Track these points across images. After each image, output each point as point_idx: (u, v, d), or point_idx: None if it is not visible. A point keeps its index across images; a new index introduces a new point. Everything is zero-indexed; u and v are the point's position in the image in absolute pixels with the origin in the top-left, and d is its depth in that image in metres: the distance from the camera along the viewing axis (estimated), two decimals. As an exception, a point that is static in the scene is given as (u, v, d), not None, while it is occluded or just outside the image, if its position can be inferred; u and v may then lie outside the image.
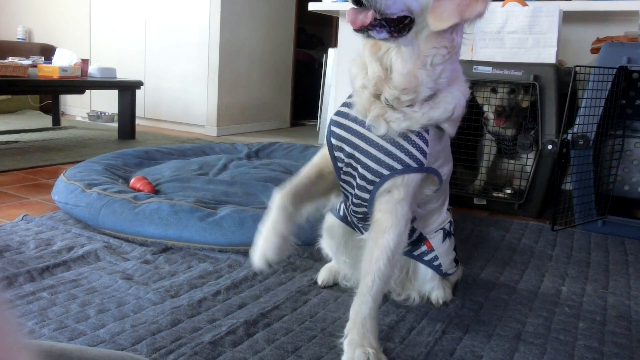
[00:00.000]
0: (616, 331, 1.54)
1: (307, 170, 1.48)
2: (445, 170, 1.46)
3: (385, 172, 1.33)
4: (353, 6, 1.17)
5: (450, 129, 1.36)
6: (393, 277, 1.55)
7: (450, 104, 1.30)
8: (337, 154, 1.41)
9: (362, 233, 1.59)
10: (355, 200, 1.44)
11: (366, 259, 1.36)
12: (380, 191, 1.37)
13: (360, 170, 1.37)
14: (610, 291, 1.84)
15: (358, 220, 1.54)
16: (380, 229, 1.35)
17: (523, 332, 1.51)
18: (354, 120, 1.37)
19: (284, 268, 1.84)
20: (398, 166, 1.32)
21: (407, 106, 1.29)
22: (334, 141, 1.41)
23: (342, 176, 1.44)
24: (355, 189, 1.41)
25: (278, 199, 1.39)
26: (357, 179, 1.39)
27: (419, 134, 1.32)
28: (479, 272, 1.94)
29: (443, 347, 1.40)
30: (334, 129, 1.41)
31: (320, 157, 1.49)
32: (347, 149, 1.38)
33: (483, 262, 2.05)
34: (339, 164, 1.42)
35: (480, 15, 1.22)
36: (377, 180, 1.35)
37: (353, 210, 1.49)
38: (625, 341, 1.49)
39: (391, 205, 1.35)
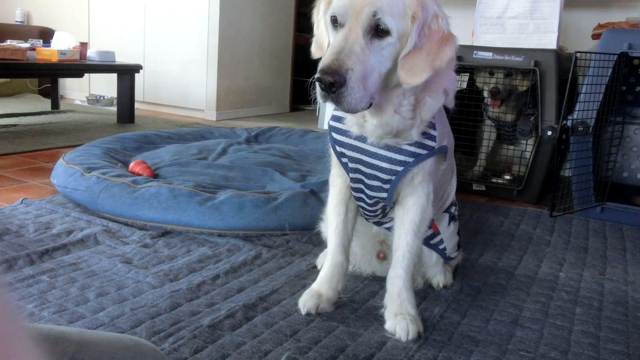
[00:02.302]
0: (613, 317, 1.55)
1: (336, 210, 1.51)
2: (448, 141, 1.46)
3: (399, 168, 1.35)
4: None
5: (451, 105, 1.38)
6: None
7: (440, 92, 1.30)
8: (343, 159, 1.43)
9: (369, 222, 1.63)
10: (369, 201, 1.46)
11: (395, 236, 1.44)
12: (398, 185, 1.39)
13: (371, 172, 1.38)
14: (608, 277, 1.85)
15: (375, 217, 1.55)
16: (404, 208, 1.42)
17: (520, 317, 1.52)
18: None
19: (282, 252, 1.85)
20: (410, 159, 1.34)
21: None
22: (338, 148, 1.43)
23: (352, 183, 1.45)
24: (368, 190, 1.43)
25: (334, 256, 1.49)
26: (368, 180, 1.40)
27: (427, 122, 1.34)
28: (478, 258, 1.95)
29: (441, 332, 1.41)
30: (335, 135, 1.43)
31: (336, 176, 1.51)
32: (353, 154, 1.39)
33: (481, 247, 2.06)
34: (347, 168, 1.44)
35: (451, 59, 1.22)
36: (393, 178, 1.36)
37: (369, 211, 1.51)
38: (622, 327, 1.50)
39: (412, 188, 1.40)
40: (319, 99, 1.16)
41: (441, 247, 1.61)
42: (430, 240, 1.60)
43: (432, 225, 1.59)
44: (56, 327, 0.79)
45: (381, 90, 1.22)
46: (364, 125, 1.32)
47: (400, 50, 1.19)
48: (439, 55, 1.19)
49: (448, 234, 1.63)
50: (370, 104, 1.20)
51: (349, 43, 1.13)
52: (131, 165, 2.49)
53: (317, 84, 1.14)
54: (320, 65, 1.13)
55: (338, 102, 1.14)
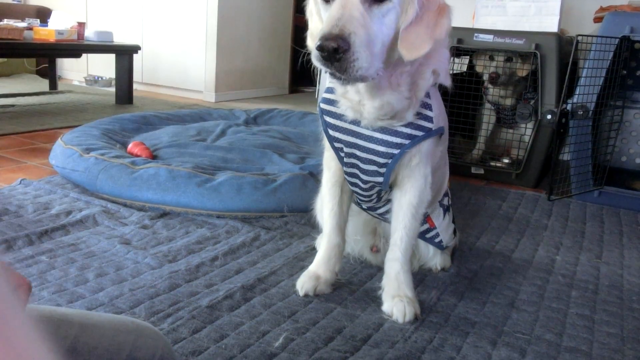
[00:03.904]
0: (608, 300, 1.57)
1: (331, 192, 1.50)
2: (444, 122, 1.43)
3: (395, 151, 1.32)
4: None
5: (448, 83, 1.35)
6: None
7: (427, 72, 1.27)
8: (337, 144, 1.40)
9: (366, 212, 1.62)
10: (364, 186, 1.44)
11: (393, 218, 1.43)
12: (395, 167, 1.37)
13: (366, 156, 1.36)
14: (604, 261, 1.86)
15: (370, 202, 1.53)
16: (402, 190, 1.40)
17: (516, 300, 1.53)
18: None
19: (281, 234, 1.86)
20: (406, 141, 1.31)
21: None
22: (331, 132, 1.39)
23: (346, 168, 1.43)
24: (363, 175, 1.41)
25: (331, 238, 1.49)
26: (364, 165, 1.38)
27: (422, 103, 1.31)
28: (475, 241, 1.96)
29: (437, 314, 1.42)
30: (327, 119, 1.39)
31: (330, 158, 1.49)
32: (348, 138, 1.37)
33: (479, 230, 2.07)
34: (341, 154, 1.42)
35: (448, 30, 1.19)
36: (389, 161, 1.34)
37: (364, 196, 1.49)
38: (616, 309, 1.51)
39: (409, 170, 1.38)
40: (321, 66, 1.08)
41: (437, 240, 1.62)
42: (426, 234, 1.60)
43: (428, 220, 1.59)
44: (58, 308, 0.79)
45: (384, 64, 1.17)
46: (360, 110, 1.29)
47: (401, 16, 1.14)
48: (437, 26, 1.16)
49: (444, 226, 1.62)
50: (378, 74, 1.13)
51: (348, 10, 1.06)
52: (130, 146, 2.49)
53: (317, 53, 1.06)
54: (320, 34, 1.06)
55: (344, 70, 1.06)
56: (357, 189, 1.47)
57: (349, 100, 1.30)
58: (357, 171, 1.41)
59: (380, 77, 1.16)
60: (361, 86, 1.24)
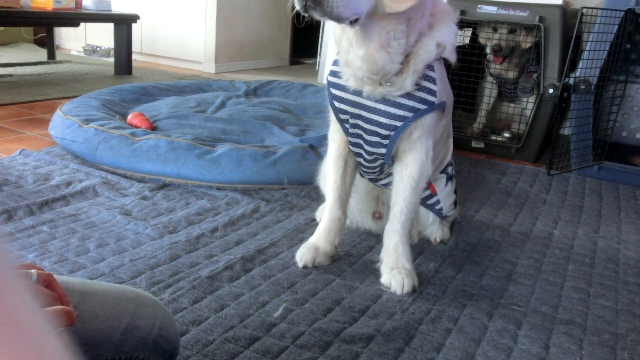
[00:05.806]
0: (604, 273, 1.58)
1: (335, 165, 1.50)
2: (447, 97, 1.43)
3: (398, 123, 1.33)
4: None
5: (453, 58, 1.35)
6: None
7: (431, 45, 1.27)
8: (342, 116, 1.41)
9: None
10: (368, 157, 1.45)
11: (393, 191, 1.44)
12: (397, 140, 1.37)
13: (370, 127, 1.36)
14: (601, 235, 1.87)
15: (373, 174, 1.54)
16: (403, 164, 1.41)
17: (513, 273, 1.54)
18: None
19: (281, 206, 1.86)
20: (409, 114, 1.32)
21: (395, 75, 1.28)
22: (336, 104, 1.40)
23: (351, 138, 1.44)
24: (367, 146, 1.42)
25: (332, 211, 1.50)
26: (367, 136, 1.39)
27: (425, 76, 1.31)
28: (474, 214, 1.97)
29: (435, 286, 1.44)
30: (333, 91, 1.40)
31: (335, 131, 1.48)
32: (352, 109, 1.37)
33: (478, 204, 2.07)
34: (346, 125, 1.42)
35: None
36: (392, 133, 1.35)
37: (367, 167, 1.50)
38: (612, 283, 1.53)
39: (410, 143, 1.38)
40: (297, 6, 1.12)
41: (437, 207, 1.63)
42: (427, 200, 1.61)
43: (430, 186, 1.60)
44: (59, 277, 0.80)
45: (368, 11, 1.17)
46: (353, 67, 1.28)
47: None
48: None
49: (445, 194, 1.63)
50: (357, 20, 1.15)
51: None
52: (129, 117, 2.48)
53: None
54: None
55: (318, 3, 1.09)
56: (361, 160, 1.48)
57: (350, 66, 1.29)
58: (361, 141, 1.42)
59: (366, 24, 1.19)
60: (351, 33, 1.25)
